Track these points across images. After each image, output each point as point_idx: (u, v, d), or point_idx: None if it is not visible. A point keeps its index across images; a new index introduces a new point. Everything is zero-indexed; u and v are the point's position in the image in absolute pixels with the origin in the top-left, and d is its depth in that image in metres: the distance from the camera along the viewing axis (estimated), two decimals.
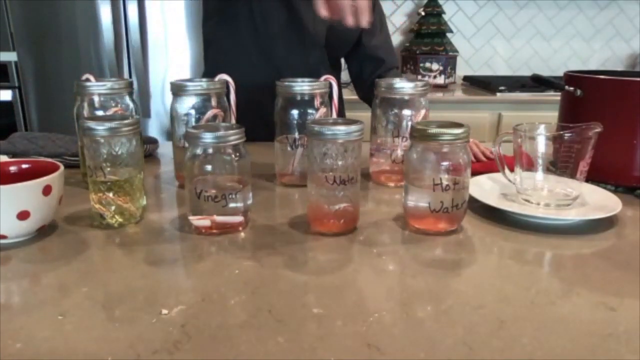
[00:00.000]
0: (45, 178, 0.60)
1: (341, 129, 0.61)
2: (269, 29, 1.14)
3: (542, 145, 0.72)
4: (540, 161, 0.72)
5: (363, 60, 1.23)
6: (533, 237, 0.65)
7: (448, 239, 0.64)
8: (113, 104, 0.79)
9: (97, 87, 0.78)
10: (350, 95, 2.00)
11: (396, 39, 2.59)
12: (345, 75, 1.35)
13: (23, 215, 0.59)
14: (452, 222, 0.66)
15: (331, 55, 1.21)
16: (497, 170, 0.78)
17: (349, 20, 0.83)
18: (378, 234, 0.65)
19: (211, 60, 1.24)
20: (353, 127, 0.61)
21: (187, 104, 0.81)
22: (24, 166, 0.67)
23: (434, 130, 0.62)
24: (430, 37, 2.40)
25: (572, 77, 0.87)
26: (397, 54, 1.32)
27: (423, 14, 2.44)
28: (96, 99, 0.78)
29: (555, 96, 1.99)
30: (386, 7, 1.30)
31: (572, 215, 0.69)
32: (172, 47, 2.10)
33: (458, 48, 2.48)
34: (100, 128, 0.63)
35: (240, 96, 0.84)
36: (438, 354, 0.41)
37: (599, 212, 0.68)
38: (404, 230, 0.67)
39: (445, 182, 0.63)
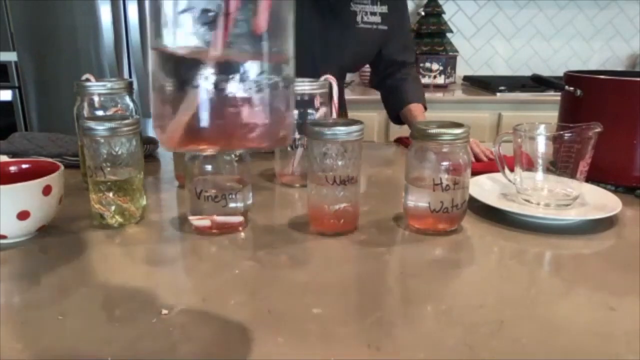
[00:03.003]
0: (45, 178, 0.60)
1: (341, 129, 0.61)
2: None
3: (542, 145, 0.72)
4: (540, 161, 0.72)
5: (379, 62, 1.23)
6: (533, 237, 0.65)
7: (448, 239, 0.64)
8: (113, 104, 0.79)
9: (97, 87, 0.78)
10: (351, 95, 2.00)
11: None
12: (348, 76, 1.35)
13: (23, 215, 0.59)
14: (452, 222, 0.66)
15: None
16: (497, 170, 0.78)
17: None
18: (378, 234, 0.65)
19: None
20: (353, 127, 0.61)
21: None
22: (24, 166, 0.67)
23: (434, 130, 0.62)
24: (430, 37, 2.40)
25: (572, 77, 0.87)
26: (413, 46, 1.32)
27: (423, 14, 2.44)
28: (96, 99, 0.78)
29: (555, 96, 1.99)
30: None
31: (572, 215, 0.69)
32: None
33: (458, 48, 2.48)
34: (100, 128, 0.63)
35: None
36: (438, 354, 0.41)
37: (599, 212, 0.68)
38: (404, 230, 0.67)
39: (445, 182, 0.63)
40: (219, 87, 0.35)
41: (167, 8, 0.34)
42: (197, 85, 0.34)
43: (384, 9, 1.12)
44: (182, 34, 0.35)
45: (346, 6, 1.08)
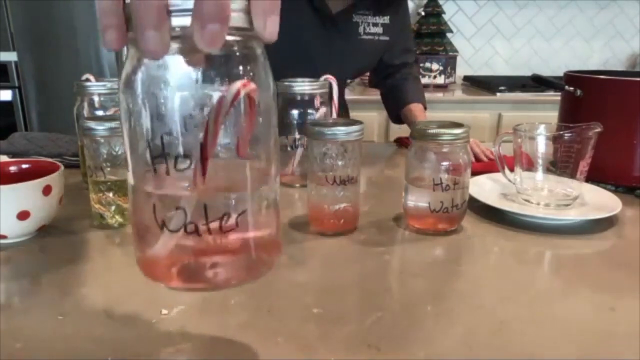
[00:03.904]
0: (45, 178, 0.60)
1: (341, 129, 0.61)
2: (279, 60, 1.12)
3: (542, 145, 0.72)
4: (540, 161, 0.72)
5: (379, 65, 1.23)
6: (533, 237, 0.65)
7: (448, 239, 0.64)
8: (113, 104, 0.79)
9: (97, 87, 0.78)
10: (351, 95, 2.00)
11: None
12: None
13: (23, 215, 0.59)
14: (452, 222, 0.66)
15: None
16: (497, 170, 0.78)
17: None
18: (378, 234, 0.65)
19: None
20: (353, 127, 0.61)
21: None
22: (24, 166, 0.67)
23: (434, 130, 0.62)
24: (430, 37, 2.40)
25: (572, 77, 0.87)
26: (414, 47, 1.31)
27: (423, 14, 2.44)
28: (96, 99, 0.78)
29: (555, 96, 1.99)
30: None
31: (572, 215, 0.69)
32: None
33: (458, 48, 2.48)
34: (100, 128, 0.63)
35: None
36: (438, 354, 0.41)
37: (599, 212, 0.68)
38: (404, 230, 0.67)
39: (445, 182, 0.63)
40: (198, 231, 0.31)
41: (142, 151, 0.31)
42: (174, 229, 0.31)
43: (386, 19, 1.11)
44: (158, 177, 0.31)
45: (348, 17, 1.08)
